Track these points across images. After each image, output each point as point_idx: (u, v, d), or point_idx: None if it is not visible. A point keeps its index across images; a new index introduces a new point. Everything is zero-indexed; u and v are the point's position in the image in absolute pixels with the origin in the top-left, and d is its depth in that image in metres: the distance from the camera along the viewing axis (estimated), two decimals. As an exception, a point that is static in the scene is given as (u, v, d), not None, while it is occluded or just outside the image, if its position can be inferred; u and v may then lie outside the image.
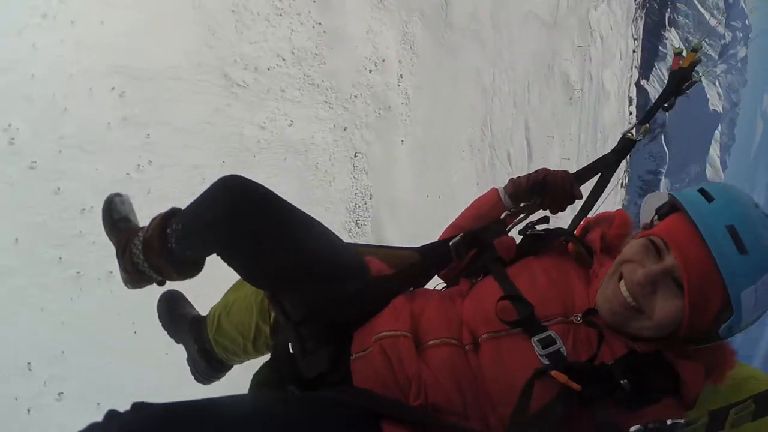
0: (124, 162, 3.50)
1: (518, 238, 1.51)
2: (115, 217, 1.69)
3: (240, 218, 1.27)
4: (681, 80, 1.68)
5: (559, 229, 1.46)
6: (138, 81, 3.56)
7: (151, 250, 1.48)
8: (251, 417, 1.01)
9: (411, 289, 1.44)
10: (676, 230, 1.13)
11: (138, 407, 0.96)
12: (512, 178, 1.66)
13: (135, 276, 1.55)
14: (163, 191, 3.64)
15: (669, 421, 1.03)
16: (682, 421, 1.04)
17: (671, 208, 1.20)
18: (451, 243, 1.47)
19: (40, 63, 3.02)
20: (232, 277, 1.49)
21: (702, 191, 1.14)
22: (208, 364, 1.85)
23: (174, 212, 1.50)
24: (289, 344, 1.29)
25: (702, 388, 1.11)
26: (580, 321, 1.18)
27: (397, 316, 1.26)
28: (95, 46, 3.29)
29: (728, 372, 1.14)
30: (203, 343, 1.84)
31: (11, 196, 2.87)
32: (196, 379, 1.93)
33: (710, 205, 1.11)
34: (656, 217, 1.24)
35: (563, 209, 1.64)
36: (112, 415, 0.97)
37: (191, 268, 1.52)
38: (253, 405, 1.11)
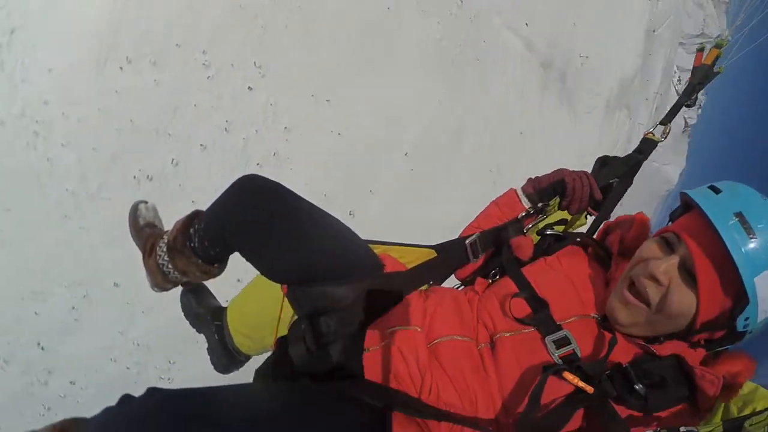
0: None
1: (536, 239, 1.50)
2: (141, 222, 1.76)
3: (258, 216, 1.30)
4: (703, 76, 1.60)
5: (577, 233, 1.44)
6: (118, 43, 3.46)
7: (176, 251, 1.51)
8: (261, 406, 1.01)
9: (425, 286, 1.46)
10: (688, 224, 1.15)
11: (151, 392, 0.97)
12: (531, 178, 1.61)
13: (160, 278, 1.59)
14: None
15: (682, 429, 1.04)
16: (696, 429, 1.04)
17: (684, 208, 1.23)
18: (467, 242, 1.48)
19: (78, 143, 3.12)
20: (252, 271, 1.54)
21: (710, 186, 1.17)
22: (227, 354, 1.92)
23: (196, 214, 1.53)
24: (304, 338, 1.32)
25: (718, 396, 1.11)
26: (598, 318, 1.20)
27: (410, 312, 1.28)
28: (74, 83, 3.26)
29: (744, 380, 1.13)
30: (223, 333, 1.90)
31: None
32: (215, 368, 2.01)
33: (718, 196, 1.13)
34: (669, 221, 1.26)
35: (582, 211, 1.58)
36: (125, 399, 0.98)
37: (214, 267, 1.55)
38: (265, 394, 1.13)
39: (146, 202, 1.83)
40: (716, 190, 1.14)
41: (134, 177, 3.18)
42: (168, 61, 3.56)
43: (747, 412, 1.09)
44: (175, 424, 0.92)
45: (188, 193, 3.26)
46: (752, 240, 1.05)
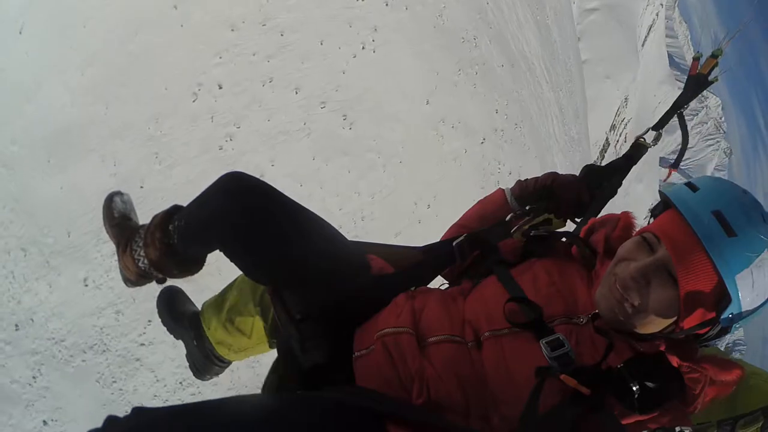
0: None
1: (522, 240, 1.49)
2: (116, 215, 1.71)
3: (241, 214, 1.28)
4: (698, 85, 1.61)
5: (562, 231, 1.45)
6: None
7: (153, 248, 1.49)
8: (253, 420, 0.99)
9: (413, 288, 1.45)
10: (667, 224, 1.15)
11: (137, 412, 0.95)
12: (519, 180, 1.62)
13: (135, 274, 1.57)
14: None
15: (678, 429, 1.08)
16: (689, 430, 1.09)
17: (664, 206, 1.22)
18: (454, 243, 1.49)
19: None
20: (231, 273, 1.53)
21: (688, 184, 1.16)
22: (206, 360, 1.89)
23: (176, 209, 1.51)
24: (291, 341, 1.29)
25: (705, 389, 1.12)
26: (584, 322, 1.19)
27: (398, 314, 1.27)
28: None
29: (733, 378, 1.14)
30: (202, 339, 1.87)
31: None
32: (194, 374, 1.97)
33: (695, 195, 1.13)
34: (651, 217, 1.26)
35: (570, 214, 1.60)
36: (111, 420, 0.95)
37: (192, 265, 1.54)
38: (256, 407, 1.09)
39: (121, 194, 1.77)
40: (693, 188, 1.14)
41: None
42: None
43: (742, 398, 1.12)
44: None
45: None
46: (731, 238, 1.04)
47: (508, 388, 1.12)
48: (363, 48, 4.73)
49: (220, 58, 3.90)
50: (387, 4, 4.96)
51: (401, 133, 5.36)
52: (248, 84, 3.95)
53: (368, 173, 5.03)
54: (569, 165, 11.11)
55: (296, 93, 4.28)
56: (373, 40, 4.80)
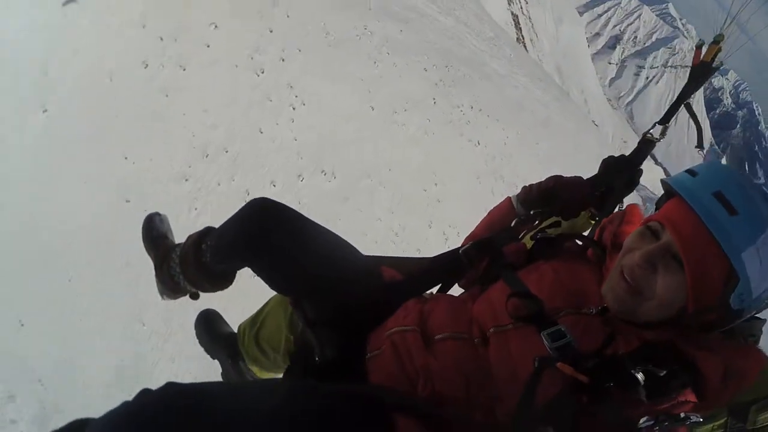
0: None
1: (530, 244, 1.51)
2: (154, 234, 1.86)
3: (266, 234, 1.40)
4: (702, 74, 1.58)
5: (572, 233, 1.48)
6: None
7: (188, 264, 1.63)
8: (274, 403, 1.01)
9: (423, 294, 1.50)
10: (669, 210, 1.16)
11: (169, 386, 0.98)
12: (525, 186, 1.66)
13: (171, 288, 1.71)
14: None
15: (682, 414, 1.02)
16: (701, 418, 1.03)
17: (667, 196, 1.23)
18: (461, 250, 1.51)
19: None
20: (260, 290, 1.62)
21: (688, 171, 1.18)
22: (242, 379, 1.98)
23: (209, 231, 1.64)
24: (310, 346, 1.38)
25: (722, 378, 1.07)
26: (593, 313, 1.19)
27: (407, 315, 1.31)
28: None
29: (758, 370, 1.10)
30: (237, 359, 1.97)
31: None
32: None
33: (695, 179, 1.14)
34: (655, 209, 1.26)
35: (575, 215, 1.61)
36: (144, 392, 0.99)
37: (223, 280, 1.66)
38: (278, 392, 1.12)
39: (160, 215, 1.94)
40: (693, 173, 1.15)
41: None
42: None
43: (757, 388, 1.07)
44: (189, 421, 0.92)
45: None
46: (733, 217, 1.04)
47: (512, 381, 1.12)
48: (294, 108, 4.78)
49: (196, 209, 3.94)
50: (282, 60, 5.01)
51: (371, 148, 5.42)
52: (233, 211, 3.97)
53: (373, 197, 5.11)
54: (507, 63, 11.17)
55: (274, 186, 4.33)
56: (296, 96, 4.87)
